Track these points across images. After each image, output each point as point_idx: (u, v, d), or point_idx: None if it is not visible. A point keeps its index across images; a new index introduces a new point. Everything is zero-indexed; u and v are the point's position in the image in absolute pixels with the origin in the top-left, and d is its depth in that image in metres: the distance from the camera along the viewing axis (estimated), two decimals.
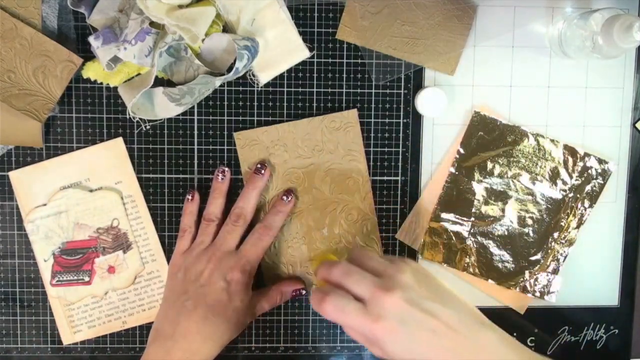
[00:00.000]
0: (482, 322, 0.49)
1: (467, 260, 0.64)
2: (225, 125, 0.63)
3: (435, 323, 0.47)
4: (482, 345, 0.47)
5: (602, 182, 0.64)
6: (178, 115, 0.62)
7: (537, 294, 0.65)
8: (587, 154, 0.64)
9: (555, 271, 0.65)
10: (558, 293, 0.65)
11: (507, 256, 0.65)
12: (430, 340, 0.47)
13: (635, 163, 0.65)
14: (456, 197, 0.64)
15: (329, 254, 0.64)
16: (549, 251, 0.65)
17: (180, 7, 0.56)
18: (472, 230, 0.64)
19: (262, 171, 0.61)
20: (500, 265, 0.65)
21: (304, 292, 0.63)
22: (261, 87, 0.62)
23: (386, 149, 0.64)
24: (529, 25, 0.63)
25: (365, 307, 0.47)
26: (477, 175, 0.64)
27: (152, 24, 0.56)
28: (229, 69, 0.61)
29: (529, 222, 0.64)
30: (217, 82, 0.59)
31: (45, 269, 0.63)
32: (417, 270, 0.50)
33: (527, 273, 0.65)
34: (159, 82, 0.61)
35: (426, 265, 0.64)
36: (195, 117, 0.63)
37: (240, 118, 0.63)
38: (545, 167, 0.64)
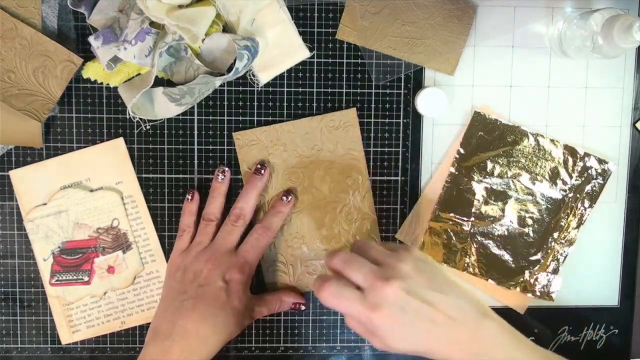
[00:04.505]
0: (484, 312, 0.49)
1: (467, 260, 0.64)
2: (225, 125, 0.63)
3: (435, 313, 0.47)
4: (481, 335, 0.47)
5: (602, 182, 0.64)
6: (178, 115, 0.62)
7: (537, 294, 0.65)
8: (587, 154, 0.64)
9: (555, 271, 0.65)
10: (558, 293, 0.65)
11: (507, 256, 0.64)
12: (430, 330, 0.47)
13: (635, 163, 0.65)
14: (456, 197, 0.64)
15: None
16: (549, 251, 0.64)
17: (180, 7, 0.56)
18: (472, 230, 0.64)
19: (262, 171, 0.61)
20: (500, 265, 0.64)
21: (303, 307, 0.63)
22: (261, 87, 0.62)
23: (386, 149, 0.64)
24: (529, 25, 0.63)
25: (364, 296, 0.47)
26: (477, 175, 0.64)
27: (152, 24, 0.56)
28: (229, 69, 0.61)
29: (529, 222, 0.64)
30: (217, 82, 0.59)
31: (45, 269, 0.63)
32: (419, 259, 0.49)
33: (527, 273, 0.65)
34: (159, 82, 0.61)
35: None
36: (195, 117, 0.63)
37: (240, 118, 0.63)
38: (545, 167, 0.64)
